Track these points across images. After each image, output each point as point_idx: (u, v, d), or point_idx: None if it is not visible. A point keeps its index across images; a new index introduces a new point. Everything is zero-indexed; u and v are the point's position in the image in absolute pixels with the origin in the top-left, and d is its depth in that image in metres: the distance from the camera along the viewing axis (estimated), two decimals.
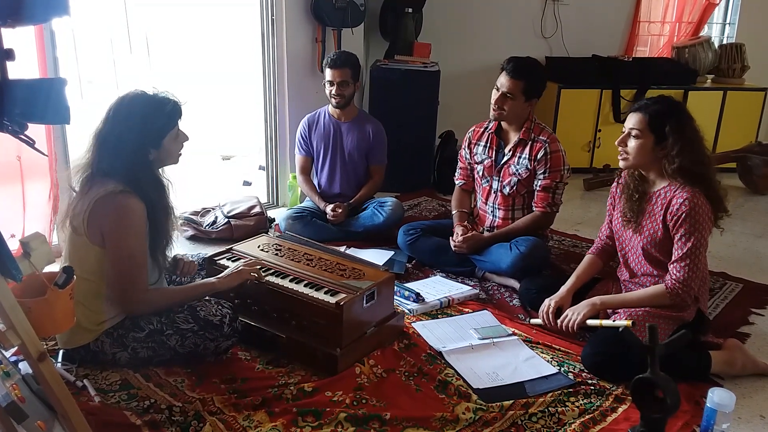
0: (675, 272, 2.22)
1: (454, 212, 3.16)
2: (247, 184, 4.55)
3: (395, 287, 2.52)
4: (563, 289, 2.47)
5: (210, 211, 3.64)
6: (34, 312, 1.48)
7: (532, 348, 2.38)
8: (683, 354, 2.17)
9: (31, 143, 1.42)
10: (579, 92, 4.89)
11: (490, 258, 2.92)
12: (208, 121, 5.60)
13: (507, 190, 2.97)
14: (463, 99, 4.80)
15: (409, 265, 3.08)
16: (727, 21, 5.81)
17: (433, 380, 2.14)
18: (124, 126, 1.97)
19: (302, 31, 3.92)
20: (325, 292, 2.21)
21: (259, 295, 2.31)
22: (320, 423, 1.89)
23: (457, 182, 3.24)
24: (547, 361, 2.29)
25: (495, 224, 3.06)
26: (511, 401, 2.04)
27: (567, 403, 2.05)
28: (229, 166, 5.30)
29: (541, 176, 2.89)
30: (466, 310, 2.68)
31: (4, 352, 1.54)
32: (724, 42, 5.66)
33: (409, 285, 2.80)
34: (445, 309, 2.68)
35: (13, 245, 1.38)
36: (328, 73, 3.35)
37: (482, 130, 3.08)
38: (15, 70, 1.30)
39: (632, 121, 2.26)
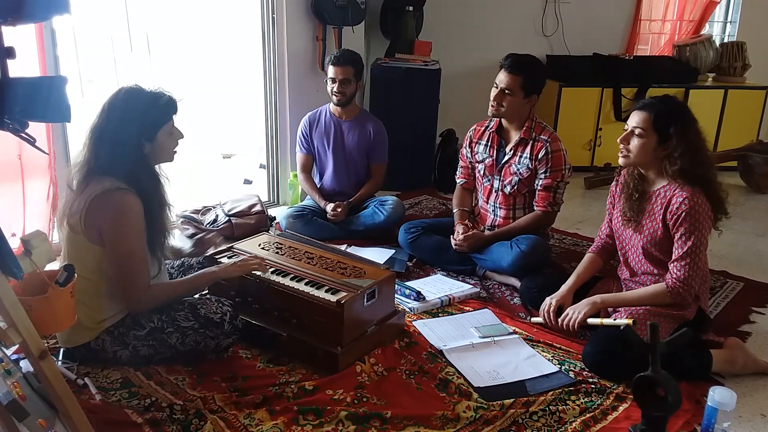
0: (675, 271, 2.22)
1: (455, 211, 3.16)
2: (247, 182, 4.55)
3: (396, 286, 2.52)
4: (564, 287, 2.47)
5: (211, 209, 3.64)
6: (35, 310, 1.48)
7: (532, 346, 2.38)
8: (684, 353, 2.17)
9: (31, 141, 1.42)
10: (580, 91, 4.89)
11: (490, 256, 2.92)
12: (209, 119, 5.60)
13: (508, 189, 2.97)
14: (464, 97, 4.80)
15: (410, 264, 3.08)
16: (729, 19, 5.80)
17: (434, 379, 2.14)
18: (118, 119, 1.98)
19: (303, 30, 3.91)
20: (326, 291, 2.21)
21: (260, 293, 2.31)
22: (321, 421, 1.89)
23: (458, 181, 3.23)
24: (548, 360, 2.29)
25: (496, 223, 3.05)
26: (512, 400, 2.04)
27: (568, 402, 2.05)
28: (229, 165, 5.30)
29: (542, 176, 2.89)
30: (467, 308, 2.68)
31: (5, 350, 1.53)
32: (726, 40, 5.66)
33: (409, 283, 2.80)
34: (446, 307, 2.68)
35: (14, 244, 1.38)
36: (331, 71, 3.35)
37: (483, 128, 3.08)
38: (15, 68, 1.30)
39: (636, 119, 2.26)
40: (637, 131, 2.25)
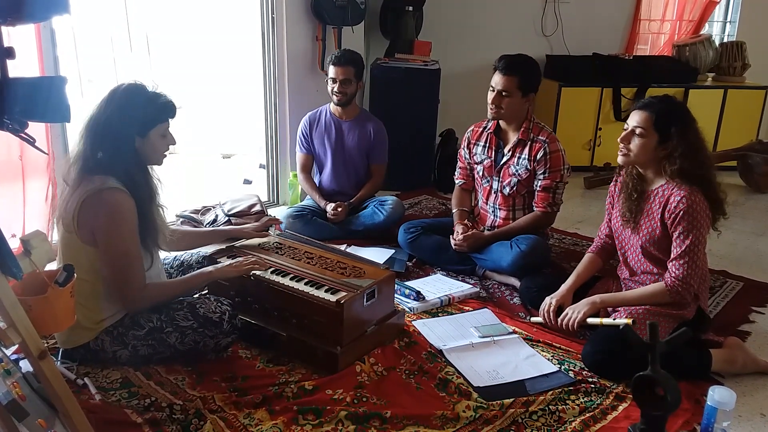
0: (674, 270, 2.22)
1: (454, 211, 3.16)
2: (247, 182, 4.55)
3: (396, 285, 2.52)
4: (563, 287, 2.47)
5: (210, 209, 3.63)
6: (34, 310, 1.49)
7: (532, 346, 2.38)
8: (684, 352, 2.17)
9: (31, 141, 1.42)
10: (579, 90, 4.89)
11: (490, 256, 2.92)
12: (209, 119, 5.60)
13: (507, 190, 2.97)
14: (464, 97, 4.80)
15: (410, 264, 3.08)
16: (728, 19, 5.80)
17: (434, 378, 2.14)
18: (115, 110, 1.98)
19: (302, 30, 3.91)
20: (326, 291, 2.21)
21: (259, 293, 2.31)
22: (321, 421, 1.89)
23: (456, 181, 3.23)
24: (548, 360, 2.29)
25: (496, 224, 3.05)
26: (512, 399, 2.04)
27: (567, 402, 2.05)
28: (229, 165, 5.30)
29: (541, 176, 2.89)
30: (467, 308, 2.68)
31: (4, 350, 1.54)
32: (725, 40, 5.66)
33: (409, 283, 2.80)
34: (446, 307, 2.68)
35: (13, 245, 1.38)
36: (332, 71, 3.35)
37: (481, 129, 3.08)
38: (14, 69, 1.30)
39: (637, 118, 2.26)
40: (638, 131, 2.25)
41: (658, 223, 2.26)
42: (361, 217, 3.42)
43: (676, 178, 2.22)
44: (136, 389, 2.02)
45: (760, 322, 2.69)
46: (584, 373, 2.21)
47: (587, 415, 1.99)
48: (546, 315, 2.43)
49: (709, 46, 5.21)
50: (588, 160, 4.99)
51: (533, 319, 2.56)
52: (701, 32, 5.47)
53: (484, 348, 2.35)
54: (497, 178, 3.00)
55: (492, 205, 3.06)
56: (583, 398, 2.08)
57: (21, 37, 2.66)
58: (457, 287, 2.82)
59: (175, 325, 2.07)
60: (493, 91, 2.83)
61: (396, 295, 2.57)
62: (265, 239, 2.61)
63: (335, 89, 3.37)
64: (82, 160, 1.98)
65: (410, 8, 4.52)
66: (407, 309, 2.62)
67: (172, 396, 1.98)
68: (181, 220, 3.46)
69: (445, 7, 4.94)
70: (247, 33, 4.39)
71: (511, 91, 2.80)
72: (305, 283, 2.26)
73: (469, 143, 3.11)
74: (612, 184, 2.54)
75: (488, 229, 3.06)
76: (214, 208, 3.64)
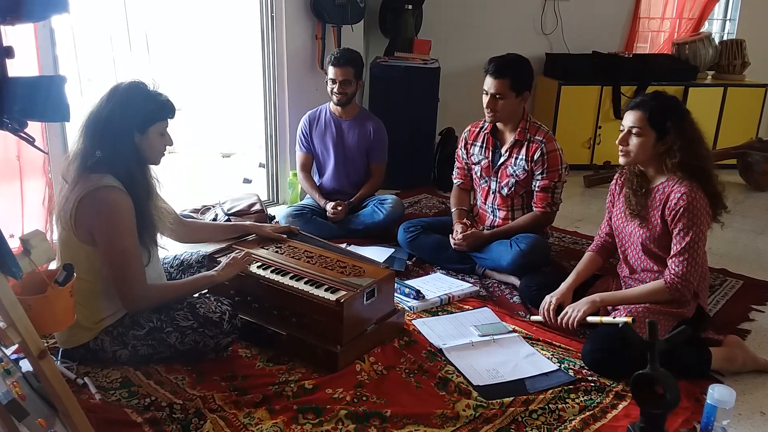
0: (674, 267, 2.22)
1: (453, 210, 3.16)
2: (247, 181, 4.55)
3: (395, 284, 2.52)
4: (563, 286, 2.47)
5: (210, 208, 3.64)
6: (34, 309, 1.48)
7: (532, 345, 2.38)
8: (684, 350, 2.17)
9: (30, 141, 1.42)
10: (579, 89, 4.89)
11: (490, 255, 2.92)
12: (208, 118, 5.60)
13: (505, 191, 2.96)
14: (463, 96, 4.78)
15: (410, 263, 3.08)
16: (728, 17, 5.80)
17: (434, 377, 2.15)
18: (116, 106, 1.98)
19: (302, 28, 3.91)
20: (326, 290, 2.21)
21: (259, 292, 2.31)
22: (321, 420, 1.89)
23: (455, 181, 3.23)
24: (548, 358, 2.29)
25: (496, 224, 3.05)
26: (512, 398, 2.04)
27: (567, 400, 2.06)
28: (229, 164, 5.30)
29: (539, 177, 2.88)
30: (467, 307, 2.68)
31: (4, 349, 1.53)
32: (725, 38, 5.65)
33: (409, 282, 2.80)
34: (446, 306, 2.69)
35: (12, 244, 1.38)
36: (331, 71, 3.34)
37: (478, 129, 3.07)
38: (12, 68, 1.30)
39: (631, 118, 2.26)
40: (634, 130, 2.25)
41: (659, 220, 2.27)
42: (360, 216, 3.42)
43: (678, 172, 2.22)
44: (136, 389, 2.02)
45: (760, 321, 2.69)
46: (584, 371, 2.22)
47: (587, 413, 1.99)
48: (546, 313, 2.43)
49: (708, 44, 5.20)
50: (588, 158, 4.98)
51: (533, 317, 2.56)
52: (701, 30, 5.47)
53: (484, 347, 2.35)
54: (495, 179, 3.00)
55: (491, 205, 3.06)
56: (582, 397, 2.08)
57: (18, 36, 2.65)
58: (456, 286, 2.82)
59: (175, 324, 2.07)
60: (487, 95, 2.82)
61: (396, 294, 2.57)
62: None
63: (335, 90, 3.36)
64: (81, 158, 1.98)
65: (410, 7, 4.52)
66: (407, 308, 2.62)
67: (172, 395, 1.98)
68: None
69: (444, 5, 4.93)
70: (247, 32, 4.39)
71: (505, 93, 2.79)
72: (305, 282, 2.26)
73: (466, 143, 3.11)
74: (613, 182, 2.54)
75: (487, 229, 3.06)
76: (213, 207, 3.64)
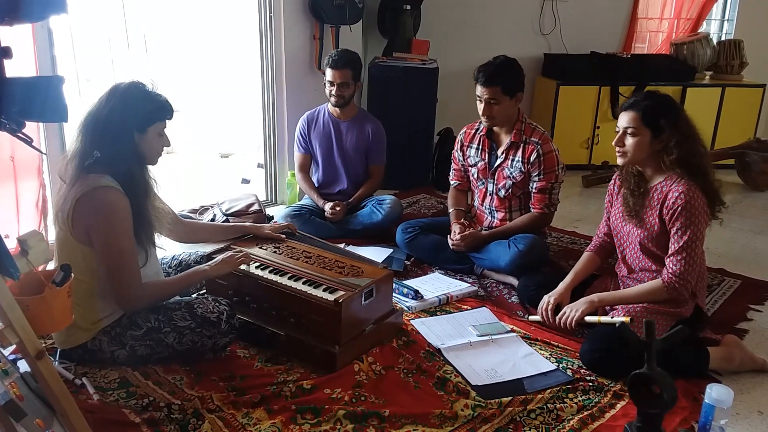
0: (671, 266, 2.23)
1: (450, 210, 3.16)
2: (245, 181, 4.54)
3: (394, 284, 2.52)
4: (561, 286, 2.47)
5: (208, 209, 3.63)
6: (31, 310, 1.48)
7: (530, 345, 2.39)
8: (682, 350, 2.18)
9: (29, 141, 1.42)
10: (577, 89, 4.89)
11: (488, 256, 2.92)
12: (207, 119, 5.60)
13: (502, 192, 2.97)
14: (462, 96, 4.77)
15: (408, 263, 3.08)
16: (726, 17, 5.81)
17: (432, 377, 2.15)
18: (115, 105, 1.98)
19: (300, 29, 3.91)
20: (324, 290, 2.21)
21: (257, 292, 2.31)
22: (319, 420, 1.89)
23: (452, 182, 3.23)
24: (546, 358, 2.29)
25: (494, 225, 3.05)
26: (510, 398, 2.04)
27: (566, 400, 2.06)
28: (227, 164, 5.30)
29: (536, 178, 2.88)
30: (465, 307, 2.68)
31: (2, 350, 1.54)
32: (723, 38, 5.66)
33: (407, 282, 2.80)
34: (444, 306, 2.69)
35: (9, 244, 1.38)
36: (329, 74, 3.34)
37: (473, 132, 3.07)
38: (12, 68, 1.30)
39: (625, 119, 2.27)
40: (629, 130, 2.26)
41: (657, 220, 2.27)
42: (359, 216, 3.42)
43: (676, 169, 2.22)
44: (134, 389, 2.02)
45: (758, 320, 2.70)
46: (582, 371, 2.22)
47: (585, 413, 1.99)
48: (544, 313, 2.44)
49: (706, 44, 5.21)
50: (586, 158, 4.99)
51: (531, 317, 2.57)
52: (699, 30, 5.48)
53: (483, 347, 2.36)
54: (492, 181, 3.00)
55: (488, 206, 3.06)
56: (581, 396, 2.08)
57: (16, 36, 2.65)
58: (455, 286, 2.83)
59: (173, 325, 2.07)
60: (482, 101, 2.82)
61: (394, 294, 2.57)
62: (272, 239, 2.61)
63: (333, 92, 3.36)
64: (79, 158, 1.98)
65: (408, 7, 4.52)
66: (405, 308, 2.62)
67: (171, 396, 1.98)
68: None
69: (443, 6, 4.94)
70: (245, 32, 4.39)
71: (499, 98, 2.79)
72: (303, 283, 2.26)
73: (462, 145, 3.11)
74: (611, 182, 2.54)
75: (485, 230, 3.06)
76: (212, 207, 3.64)
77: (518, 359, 2.28)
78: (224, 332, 2.12)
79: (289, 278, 2.29)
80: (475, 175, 3.07)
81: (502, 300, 2.80)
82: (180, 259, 2.48)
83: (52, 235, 2.08)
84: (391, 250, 3.17)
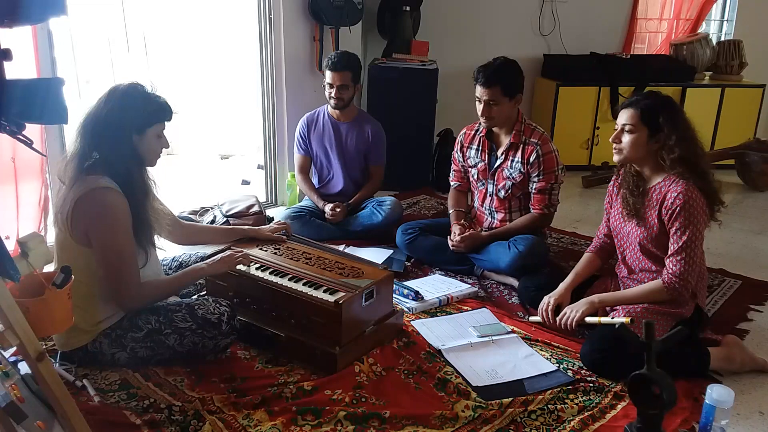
0: (671, 266, 2.22)
1: (450, 211, 3.16)
2: (245, 183, 4.55)
3: (394, 285, 2.52)
4: (562, 286, 2.47)
5: (209, 210, 3.63)
6: (32, 312, 1.48)
7: (531, 345, 2.38)
8: (682, 351, 2.18)
9: (29, 143, 1.42)
10: (577, 90, 4.89)
11: (488, 257, 2.92)
12: (207, 120, 5.60)
13: (502, 193, 2.97)
14: (461, 97, 4.77)
15: (408, 264, 3.08)
16: (725, 18, 5.81)
17: (433, 378, 2.15)
18: (114, 106, 1.98)
19: (300, 30, 3.91)
20: (324, 291, 2.21)
21: (258, 294, 2.31)
22: (320, 422, 1.89)
23: (452, 183, 3.23)
24: (546, 359, 2.29)
25: (494, 225, 3.05)
26: (511, 399, 2.04)
27: (566, 401, 2.06)
28: (227, 166, 5.30)
29: (536, 179, 2.88)
30: (465, 308, 2.68)
31: (3, 352, 1.54)
32: (722, 39, 5.66)
33: (408, 283, 2.80)
34: (444, 307, 2.69)
35: (10, 246, 1.38)
36: (328, 76, 3.33)
37: (473, 132, 3.07)
38: (11, 70, 1.30)
39: (624, 116, 2.28)
40: (627, 127, 2.26)
41: (656, 220, 2.27)
42: (359, 217, 3.42)
43: (678, 168, 2.21)
44: (135, 391, 2.02)
45: (758, 321, 2.69)
46: (583, 372, 2.22)
47: (586, 414, 1.99)
48: (544, 314, 2.44)
49: (706, 45, 5.21)
50: (586, 159, 4.99)
51: (532, 318, 2.57)
52: (698, 31, 5.48)
53: (483, 347, 2.35)
54: (492, 182, 3.00)
55: (488, 207, 3.06)
56: (581, 397, 2.08)
57: (18, 38, 2.65)
58: (455, 287, 2.83)
59: (173, 326, 2.06)
60: (481, 102, 2.83)
61: (394, 295, 2.57)
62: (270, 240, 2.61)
63: (332, 94, 3.36)
64: (78, 159, 1.99)
65: (407, 8, 4.53)
66: (406, 309, 2.62)
67: (171, 397, 1.98)
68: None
69: (442, 7, 4.94)
70: (245, 34, 4.39)
71: (498, 100, 2.79)
72: (304, 284, 2.26)
73: (462, 146, 3.11)
74: (611, 183, 2.54)
75: (485, 230, 3.06)
76: (212, 209, 3.64)
77: (519, 360, 2.28)
78: (225, 333, 2.12)
79: (290, 279, 2.29)
80: (475, 176, 3.07)
81: (503, 301, 2.80)
82: (180, 260, 2.48)
83: (51, 237, 2.08)
84: (392, 251, 3.17)
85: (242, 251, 2.40)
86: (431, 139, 4.52)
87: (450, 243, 2.99)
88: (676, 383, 1.74)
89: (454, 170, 3.21)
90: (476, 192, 3.12)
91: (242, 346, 2.28)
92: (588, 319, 2.29)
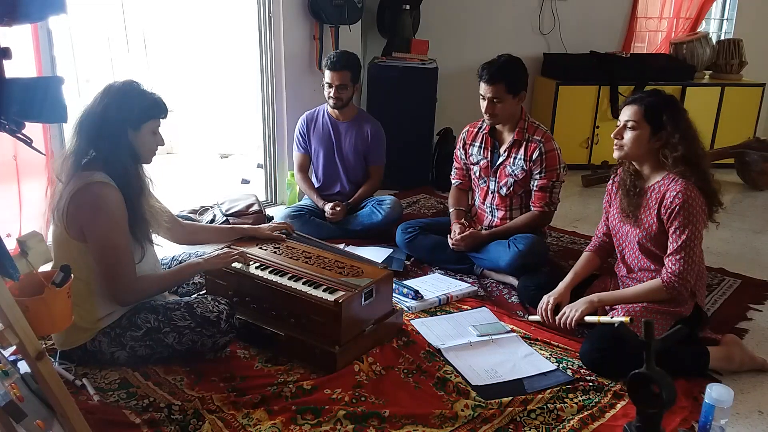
0: (670, 265, 2.22)
1: (451, 210, 3.16)
2: (245, 182, 4.55)
3: (394, 284, 2.52)
4: (561, 285, 2.47)
5: (208, 209, 3.64)
6: (31, 311, 1.48)
7: (530, 345, 2.39)
8: (681, 350, 2.18)
9: (28, 142, 1.42)
10: (577, 89, 4.89)
11: (488, 256, 2.92)
12: (206, 119, 5.59)
13: (504, 191, 2.97)
14: (461, 96, 4.80)
15: (408, 263, 3.08)
16: (725, 16, 5.81)
17: (432, 377, 2.15)
18: (111, 104, 1.99)
19: (300, 29, 3.91)
20: (324, 290, 2.21)
21: (257, 293, 2.31)
22: (319, 421, 1.89)
23: (453, 181, 3.23)
24: (546, 358, 2.29)
25: (494, 224, 3.05)
26: (510, 398, 2.04)
27: (566, 400, 2.06)
28: (227, 165, 5.30)
29: (538, 176, 2.88)
30: (465, 307, 2.68)
31: (2, 351, 1.54)
32: (722, 37, 5.66)
33: (407, 282, 2.80)
34: (444, 306, 2.69)
35: (10, 245, 1.38)
36: (327, 75, 3.33)
37: (476, 130, 3.07)
38: (11, 69, 1.30)
39: (627, 113, 2.27)
40: (629, 124, 2.26)
41: (655, 219, 2.27)
42: (359, 216, 3.42)
43: (679, 166, 2.21)
44: (135, 390, 2.02)
45: (758, 320, 2.70)
46: (582, 371, 2.22)
47: (585, 413, 1.99)
48: (544, 313, 2.44)
49: (706, 44, 5.21)
50: (585, 158, 4.99)
51: (531, 317, 2.57)
52: (698, 30, 5.48)
53: (483, 347, 2.36)
54: (494, 179, 3.00)
55: (489, 205, 3.06)
56: (581, 396, 2.08)
57: (18, 37, 2.65)
58: (455, 286, 2.83)
59: (172, 325, 2.07)
60: (485, 99, 2.82)
61: (394, 294, 2.57)
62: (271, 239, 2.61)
63: (331, 94, 3.35)
64: (75, 156, 1.99)
65: (407, 7, 4.52)
66: (405, 308, 2.62)
67: (171, 396, 1.98)
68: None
69: (442, 5, 4.94)
70: (245, 32, 4.38)
71: (502, 97, 2.79)
72: (303, 283, 2.26)
73: (464, 144, 3.11)
74: (609, 182, 2.54)
75: (486, 229, 3.06)
76: (212, 208, 3.64)
77: (518, 359, 2.28)
78: (224, 331, 2.12)
79: (289, 278, 2.29)
80: (477, 174, 3.07)
81: (502, 300, 2.80)
82: (180, 260, 2.48)
83: (50, 235, 2.08)
84: (391, 250, 3.17)
85: (240, 249, 2.40)
86: (431, 138, 4.52)
87: (450, 242, 2.99)
88: (675, 382, 1.74)
89: (455, 168, 3.21)
90: (477, 189, 3.12)
91: (242, 346, 2.28)
92: (587, 318, 2.29)
